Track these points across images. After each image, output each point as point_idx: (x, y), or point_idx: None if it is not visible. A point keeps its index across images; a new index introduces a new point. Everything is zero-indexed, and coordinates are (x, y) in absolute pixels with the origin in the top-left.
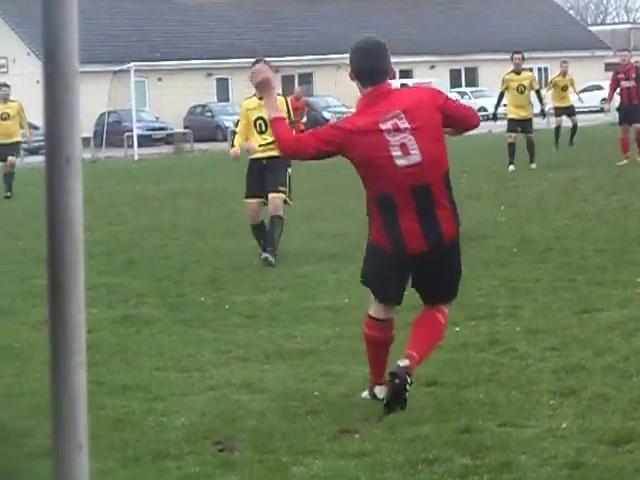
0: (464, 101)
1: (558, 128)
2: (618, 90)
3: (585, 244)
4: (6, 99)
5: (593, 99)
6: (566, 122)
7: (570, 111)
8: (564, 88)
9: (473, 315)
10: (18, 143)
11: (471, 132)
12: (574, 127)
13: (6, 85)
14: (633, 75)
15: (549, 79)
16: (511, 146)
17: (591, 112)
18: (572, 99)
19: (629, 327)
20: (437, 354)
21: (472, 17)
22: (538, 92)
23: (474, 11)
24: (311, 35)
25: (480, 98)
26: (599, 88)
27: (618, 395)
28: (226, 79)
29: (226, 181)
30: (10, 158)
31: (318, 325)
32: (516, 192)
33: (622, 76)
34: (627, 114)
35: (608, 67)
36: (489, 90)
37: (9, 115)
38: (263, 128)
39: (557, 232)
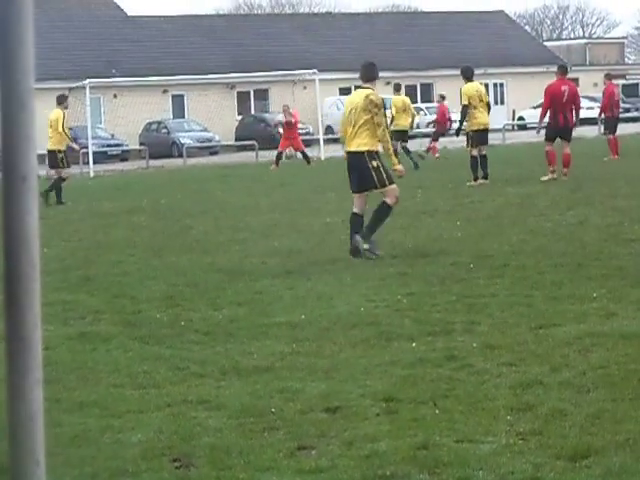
0: (419, 118)
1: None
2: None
3: (541, 259)
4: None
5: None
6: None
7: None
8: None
9: (429, 331)
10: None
11: (424, 148)
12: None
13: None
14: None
15: (504, 94)
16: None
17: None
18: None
19: (586, 342)
20: (394, 369)
21: (427, 33)
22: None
23: (429, 27)
24: (268, 51)
25: (435, 114)
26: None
27: (575, 410)
28: (182, 95)
29: (182, 197)
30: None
31: (274, 341)
32: (472, 207)
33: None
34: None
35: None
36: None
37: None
38: None
39: (513, 247)
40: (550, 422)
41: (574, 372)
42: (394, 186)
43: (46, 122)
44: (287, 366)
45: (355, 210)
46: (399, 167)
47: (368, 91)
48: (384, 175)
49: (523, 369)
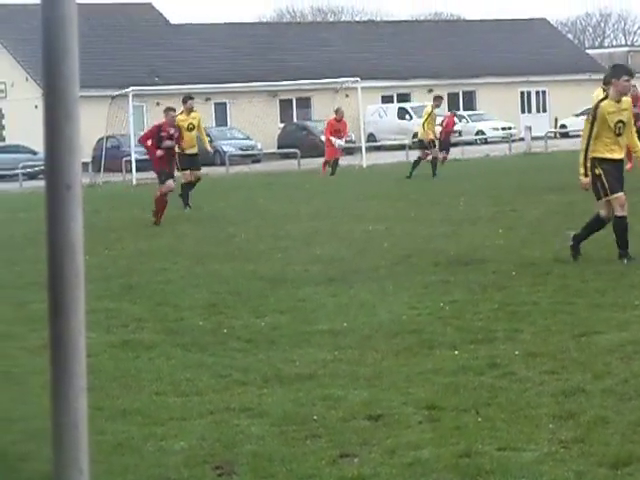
0: (461, 125)
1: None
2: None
3: (584, 267)
4: (191, 110)
5: None
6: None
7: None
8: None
9: (472, 339)
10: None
11: (469, 156)
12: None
13: (191, 97)
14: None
15: (546, 102)
16: None
17: None
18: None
19: (628, 350)
20: (436, 377)
21: (470, 40)
22: None
23: (472, 34)
24: (310, 59)
25: (478, 122)
26: None
27: (617, 418)
28: (224, 103)
29: (224, 205)
30: (195, 172)
31: (317, 349)
32: (514, 215)
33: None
34: None
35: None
36: (487, 114)
37: (194, 126)
38: (621, 131)
39: (556, 255)
40: (592, 430)
41: (616, 380)
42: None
43: (88, 130)
44: (329, 374)
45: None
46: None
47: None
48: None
49: (565, 377)
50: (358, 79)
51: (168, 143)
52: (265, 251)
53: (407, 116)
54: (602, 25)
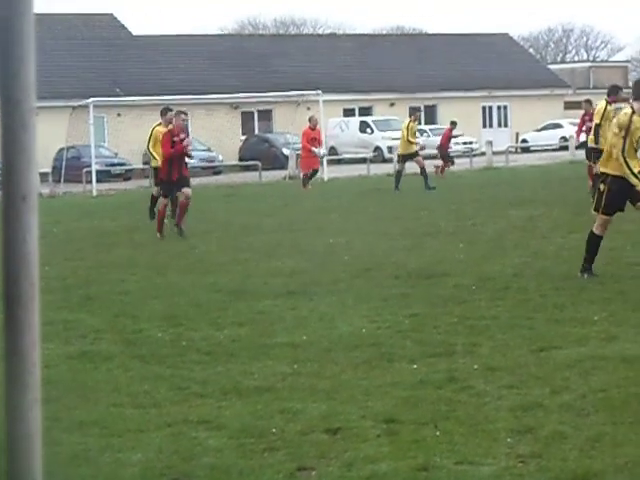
0: (422, 139)
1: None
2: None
3: (543, 282)
4: (170, 121)
5: (552, 137)
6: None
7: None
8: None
9: (431, 352)
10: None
11: (430, 170)
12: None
13: (170, 109)
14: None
15: (507, 117)
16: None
17: (550, 150)
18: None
19: (586, 365)
20: (395, 391)
21: (432, 54)
22: None
23: (434, 48)
24: (271, 72)
25: (439, 136)
26: (558, 126)
27: (575, 433)
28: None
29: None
30: (185, 191)
31: (276, 362)
32: (475, 230)
33: (587, 117)
34: (589, 150)
35: (567, 105)
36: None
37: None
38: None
39: (515, 270)
40: (550, 445)
41: (574, 395)
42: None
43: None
44: (288, 387)
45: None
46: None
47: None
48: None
49: (524, 391)
50: (320, 92)
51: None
52: (225, 263)
53: (368, 130)
54: (564, 40)
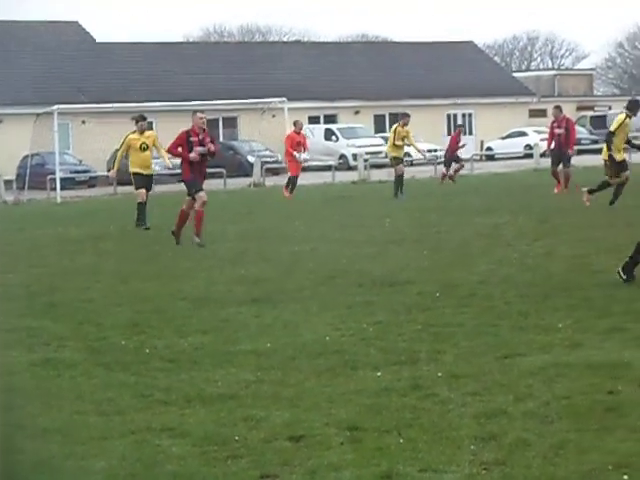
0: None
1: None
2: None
3: (508, 289)
4: (143, 129)
5: (517, 145)
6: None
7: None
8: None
9: (395, 360)
10: (152, 176)
11: (394, 178)
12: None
13: (144, 118)
14: (564, 125)
15: (472, 125)
16: None
17: (515, 158)
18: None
19: (550, 373)
20: (358, 398)
21: (397, 62)
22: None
23: (399, 56)
24: (236, 79)
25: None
26: (523, 134)
27: (539, 440)
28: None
29: (150, 224)
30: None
31: (239, 369)
32: (439, 237)
33: (556, 124)
34: (557, 156)
35: (532, 113)
36: (414, 136)
37: (147, 146)
38: None
39: (480, 277)
40: (514, 452)
41: (538, 402)
42: None
43: (13, 147)
44: (251, 394)
45: None
46: None
47: None
48: None
49: (488, 399)
50: (285, 99)
51: (199, 149)
52: (190, 270)
53: (334, 137)
54: (529, 48)
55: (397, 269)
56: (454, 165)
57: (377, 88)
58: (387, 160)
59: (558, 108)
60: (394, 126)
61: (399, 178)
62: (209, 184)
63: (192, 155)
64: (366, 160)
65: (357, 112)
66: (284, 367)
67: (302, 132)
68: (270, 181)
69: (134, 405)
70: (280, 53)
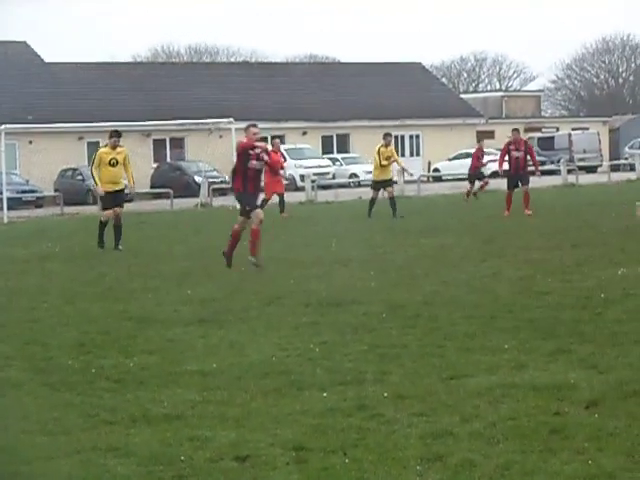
0: (334, 168)
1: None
2: (506, 158)
3: (454, 310)
4: (115, 145)
5: (464, 166)
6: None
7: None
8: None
9: (341, 380)
10: (123, 191)
11: (343, 198)
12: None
13: (118, 134)
14: (522, 148)
15: (420, 146)
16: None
17: (462, 179)
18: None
19: (496, 393)
20: (304, 419)
21: (345, 83)
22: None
23: (347, 77)
24: (184, 100)
25: (352, 164)
26: (470, 156)
27: (485, 461)
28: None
29: (95, 245)
30: (117, 210)
31: (185, 390)
32: (385, 258)
33: (513, 147)
34: (514, 179)
35: (480, 135)
36: (360, 157)
37: (117, 161)
38: None
39: (426, 298)
40: (459, 473)
41: (484, 423)
42: None
43: None
44: (197, 414)
45: None
46: None
47: None
48: None
49: (433, 419)
50: (232, 120)
51: (255, 164)
52: (136, 291)
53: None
54: (477, 70)
55: (344, 289)
56: (477, 182)
57: (325, 109)
58: (334, 181)
59: (517, 130)
60: (377, 147)
61: (392, 199)
62: (156, 204)
63: (251, 164)
64: (313, 181)
65: (304, 133)
66: (230, 387)
67: (279, 152)
68: (217, 201)
69: (80, 425)
70: (228, 74)
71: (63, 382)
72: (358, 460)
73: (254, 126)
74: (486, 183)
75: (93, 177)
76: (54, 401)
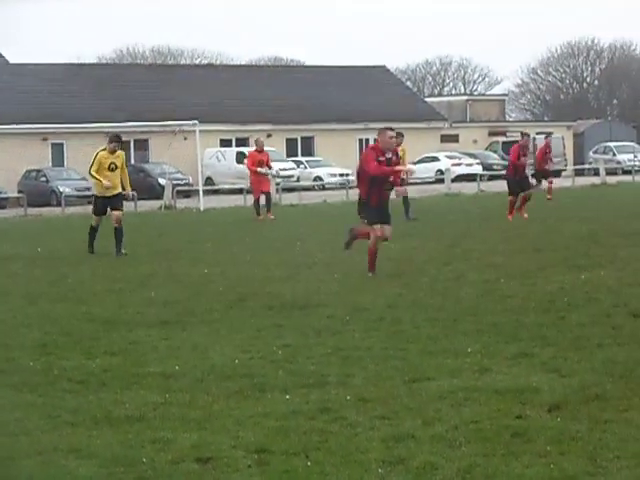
0: (299, 171)
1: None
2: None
3: (417, 313)
4: (114, 149)
5: (429, 170)
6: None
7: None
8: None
9: (304, 383)
10: (122, 195)
11: (307, 201)
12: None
13: (119, 138)
14: (528, 153)
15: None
16: None
17: (427, 183)
18: None
19: (459, 397)
20: (266, 421)
21: (309, 86)
22: None
23: (311, 80)
24: (149, 101)
25: (316, 167)
26: (435, 159)
27: (447, 464)
28: (61, 144)
29: (59, 246)
30: (116, 213)
31: (147, 391)
32: (350, 261)
33: (522, 152)
34: (518, 184)
35: (444, 138)
36: (325, 160)
37: (116, 166)
38: None
39: (389, 301)
40: (421, 476)
41: (446, 426)
42: None
43: None
44: (159, 416)
45: None
46: None
47: None
48: None
49: (396, 422)
50: (196, 122)
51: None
52: (99, 292)
53: (245, 160)
54: (442, 73)
55: (307, 292)
56: (544, 182)
57: (289, 112)
58: (298, 184)
59: (527, 135)
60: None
61: (405, 199)
62: None
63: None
64: (278, 184)
65: (269, 135)
66: (192, 389)
67: (265, 151)
68: (181, 203)
69: (41, 426)
70: (192, 76)
71: (25, 383)
72: (320, 463)
73: (391, 129)
74: (550, 183)
75: (94, 177)
76: (16, 402)
